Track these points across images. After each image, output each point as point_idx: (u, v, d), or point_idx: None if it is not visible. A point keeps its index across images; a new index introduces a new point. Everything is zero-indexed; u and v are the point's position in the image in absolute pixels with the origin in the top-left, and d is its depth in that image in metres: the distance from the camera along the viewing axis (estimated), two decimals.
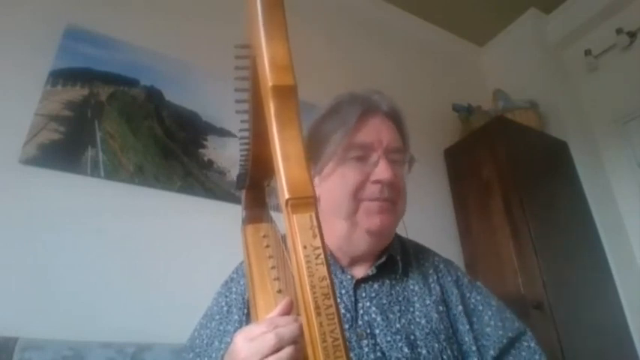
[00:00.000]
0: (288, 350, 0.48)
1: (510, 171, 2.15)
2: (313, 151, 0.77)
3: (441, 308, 0.75)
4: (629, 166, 2.39)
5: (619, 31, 2.46)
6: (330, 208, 0.76)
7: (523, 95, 2.53)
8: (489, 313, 0.77)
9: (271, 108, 0.44)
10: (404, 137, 0.81)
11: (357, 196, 0.74)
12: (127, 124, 1.63)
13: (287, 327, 0.50)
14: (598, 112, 2.58)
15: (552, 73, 2.72)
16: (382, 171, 0.73)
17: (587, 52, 2.60)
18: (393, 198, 0.75)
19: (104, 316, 1.31)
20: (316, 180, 0.77)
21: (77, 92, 1.57)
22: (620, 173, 2.42)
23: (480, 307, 0.78)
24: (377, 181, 0.73)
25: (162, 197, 1.58)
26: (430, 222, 2.09)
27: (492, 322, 0.76)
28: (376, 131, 0.77)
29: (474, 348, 0.72)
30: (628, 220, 2.34)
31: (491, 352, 0.72)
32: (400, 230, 0.85)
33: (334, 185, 0.75)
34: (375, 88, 0.84)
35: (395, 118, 0.81)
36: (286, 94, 0.44)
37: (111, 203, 1.48)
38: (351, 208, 0.74)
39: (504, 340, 0.73)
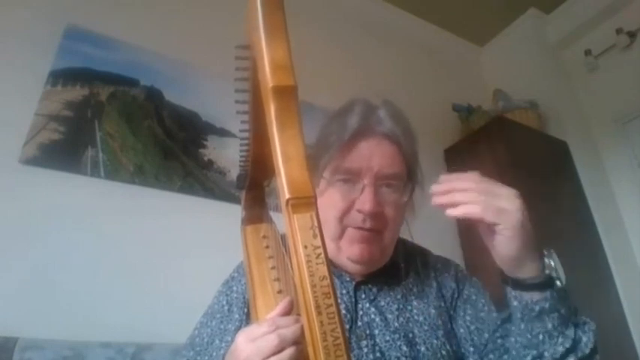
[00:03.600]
0: (289, 351, 0.48)
1: (510, 171, 2.15)
2: (314, 158, 0.74)
3: (437, 304, 0.76)
4: (629, 166, 2.39)
5: (619, 31, 2.46)
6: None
7: (523, 95, 2.53)
8: (483, 300, 0.78)
9: (272, 108, 0.44)
10: (407, 159, 0.76)
11: (342, 221, 0.72)
12: (127, 124, 1.63)
13: (289, 328, 0.50)
14: (598, 112, 2.58)
15: (552, 73, 2.72)
16: (364, 202, 0.70)
17: (587, 52, 2.60)
18: (378, 228, 0.72)
19: (104, 316, 1.31)
20: None
21: (77, 92, 1.57)
22: (620, 173, 2.42)
23: (474, 297, 0.79)
24: (359, 211, 0.71)
25: (162, 197, 1.58)
26: (430, 222, 2.08)
27: (486, 308, 0.76)
28: (367, 156, 0.72)
29: (464, 336, 0.73)
30: (628, 220, 2.34)
31: (485, 335, 0.72)
32: (405, 235, 0.85)
33: (323, 206, 0.71)
34: (386, 98, 0.80)
35: (396, 141, 0.75)
36: (287, 94, 0.44)
37: (111, 203, 1.48)
38: (337, 232, 0.73)
39: (498, 322, 0.72)
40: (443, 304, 0.77)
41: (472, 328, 0.74)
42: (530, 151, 2.27)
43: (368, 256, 0.73)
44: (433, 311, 0.74)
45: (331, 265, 0.77)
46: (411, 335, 0.70)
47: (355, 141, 0.73)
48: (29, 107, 1.46)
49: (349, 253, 0.73)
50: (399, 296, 0.76)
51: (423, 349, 0.69)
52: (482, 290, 0.81)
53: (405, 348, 0.68)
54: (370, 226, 0.71)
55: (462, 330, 0.74)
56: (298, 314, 0.49)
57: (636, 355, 2.00)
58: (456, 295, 0.78)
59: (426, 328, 0.71)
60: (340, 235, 0.73)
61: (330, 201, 0.73)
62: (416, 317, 0.73)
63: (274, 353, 0.48)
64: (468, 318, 0.75)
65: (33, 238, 1.31)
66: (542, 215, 2.09)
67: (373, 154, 0.73)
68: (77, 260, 1.35)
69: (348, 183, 0.72)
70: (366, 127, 0.74)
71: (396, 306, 0.74)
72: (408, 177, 0.76)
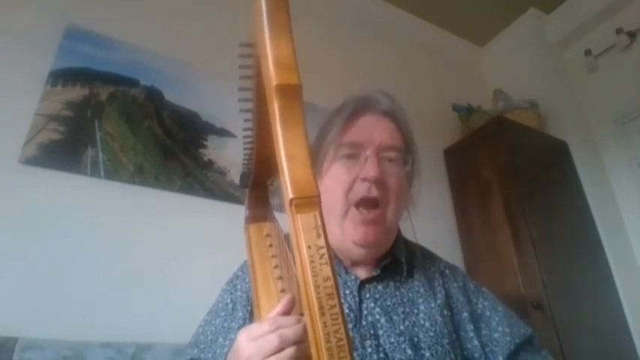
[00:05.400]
0: (289, 351, 0.48)
1: (510, 171, 2.15)
2: (316, 150, 0.77)
3: (445, 312, 0.75)
4: (629, 166, 2.39)
5: (619, 31, 2.47)
6: (327, 207, 0.75)
7: (523, 95, 2.53)
8: (497, 319, 0.77)
9: (275, 107, 0.44)
10: (405, 137, 0.79)
11: (347, 197, 0.74)
12: (127, 124, 1.62)
13: (290, 327, 0.50)
14: (598, 112, 2.58)
15: (552, 73, 2.73)
16: (369, 169, 0.72)
17: (587, 52, 2.60)
18: (382, 197, 0.73)
19: (104, 316, 1.31)
20: None
21: (77, 92, 1.57)
22: (620, 173, 2.42)
23: (488, 313, 0.78)
24: (364, 179, 0.72)
25: (162, 197, 1.58)
26: (430, 222, 2.08)
27: (500, 328, 0.76)
28: (369, 129, 0.76)
29: (476, 355, 0.73)
30: (628, 220, 2.34)
31: (500, 359, 0.73)
32: (408, 234, 0.85)
33: (329, 185, 0.75)
34: (382, 90, 0.83)
35: (395, 118, 0.79)
36: (291, 93, 0.44)
37: (111, 203, 1.47)
38: (342, 210, 0.74)
39: (512, 347, 0.73)
40: (450, 314, 0.76)
41: (487, 350, 0.73)
42: (530, 151, 2.28)
43: (373, 238, 0.74)
44: (440, 319, 0.73)
45: (336, 260, 0.77)
46: (416, 339, 0.70)
47: (356, 118, 0.77)
48: (29, 107, 1.45)
49: (353, 236, 0.74)
50: (405, 299, 0.75)
51: (427, 354, 0.68)
52: (494, 303, 0.80)
53: (409, 352, 0.67)
54: (375, 195, 0.73)
55: (468, 345, 0.73)
56: (301, 313, 0.49)
57: (636, 355, 2.00)
58: (467, 309, 0.77)
59: (432, 334, 0.71)
60: (344, 214, 0.74)
61: (336, 178, 0.75)
62: (422, 322, 0.72)
63: (274, 353, 0.48)
64: (482, 339, 0.74)
65: (33, 238, 1.31)
66: (542, 215, 2.09)
67: (374, 129, 0.77)
68: (77, 260, 1.35)
69: (352, 158, 0.75)
70: (365, 106, 0.79)
71: (402, 309, 0.73)
72: (407, 152, 0.79)
